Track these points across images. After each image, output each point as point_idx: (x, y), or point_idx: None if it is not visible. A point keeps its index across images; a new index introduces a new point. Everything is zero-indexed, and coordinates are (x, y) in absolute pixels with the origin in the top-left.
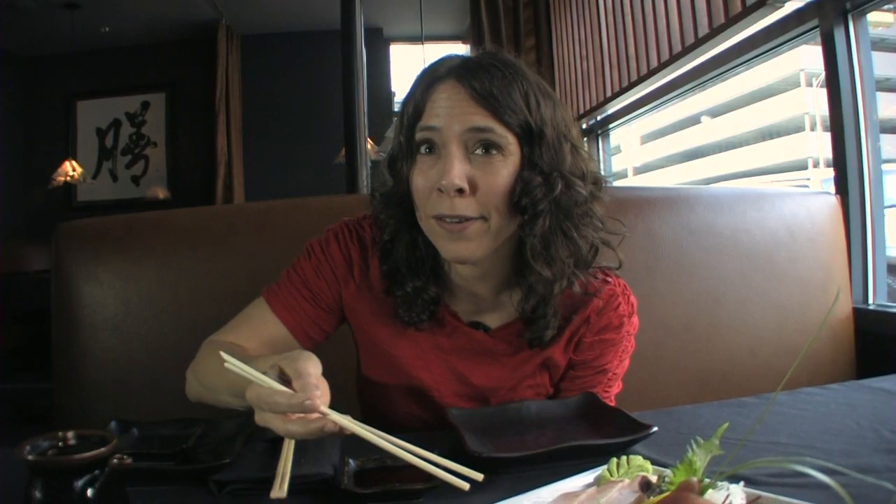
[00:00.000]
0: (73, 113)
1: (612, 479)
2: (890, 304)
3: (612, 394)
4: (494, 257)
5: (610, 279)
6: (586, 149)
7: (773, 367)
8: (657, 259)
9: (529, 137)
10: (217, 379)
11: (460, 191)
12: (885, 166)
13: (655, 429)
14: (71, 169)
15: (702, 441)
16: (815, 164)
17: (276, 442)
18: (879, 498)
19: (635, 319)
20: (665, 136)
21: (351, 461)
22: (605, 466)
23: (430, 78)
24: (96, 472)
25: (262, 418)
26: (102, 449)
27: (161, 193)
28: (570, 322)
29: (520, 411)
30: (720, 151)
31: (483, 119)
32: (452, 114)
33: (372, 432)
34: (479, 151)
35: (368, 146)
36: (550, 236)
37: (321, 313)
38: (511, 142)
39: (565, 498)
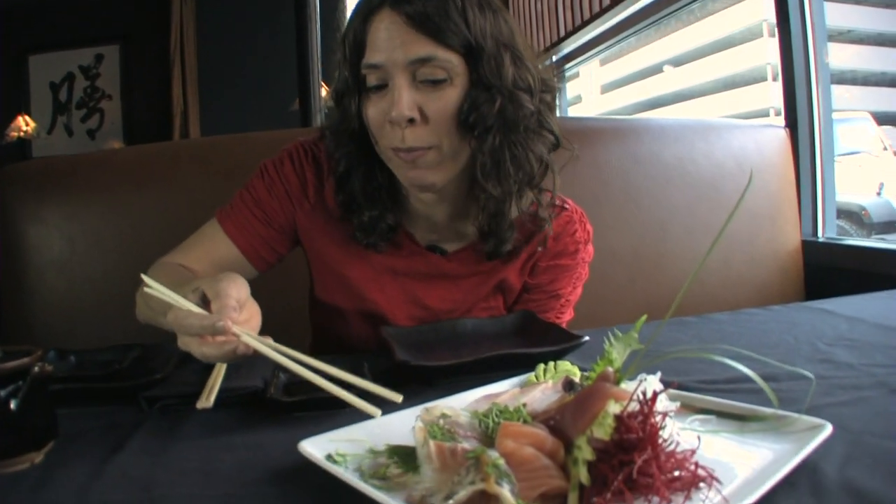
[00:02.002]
0: (24, 67)
1: (537, 382)
2: (839, 237)
3: (563, 320)
4: (452, 182)
5: (567, 206)
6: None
7: (720, 296)
8: (604, 188)
9: (471, 54)
10: (158, 301)
11: (411, 120)
12: (840, 114)
13: (587, 338)
14: (24, 124)
15: (620, 334)
16: (777, 114)
17: (208, 363)
18: (806, 400)
19: (590, 247)
20: (626, 86)
21: (281, 375)
22: (533, 373)
23: (366, 8)
24: (19, 382)
25: (181, 342)
26: (25, 359)
27: (117, 146)
28: (526, 244)
29: (455, 328)
30: (682, 101)
31: (424, 47)
32: (393, 46)
33: (285, 354)
34: (427, 82)
35: (323, 92)
36: (500, 154)
37: (274, 234)
38: (456, 63)
39: (487, 398)
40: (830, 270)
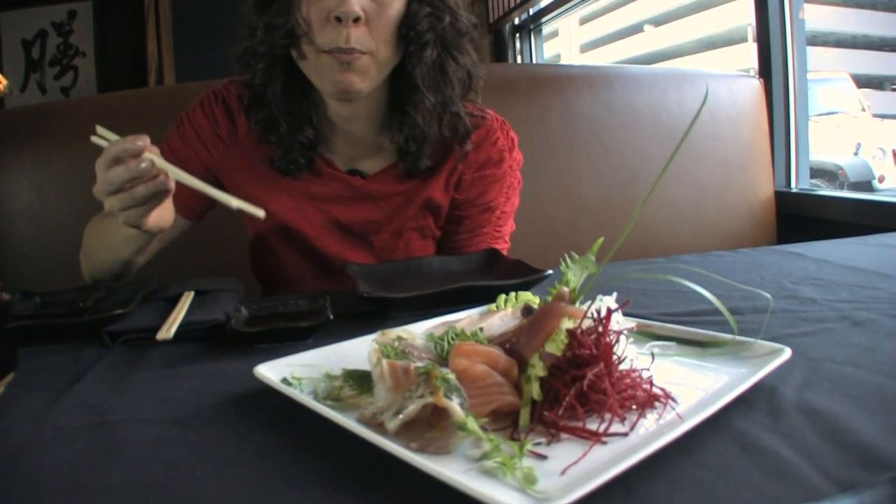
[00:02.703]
0: None
1: (497, 310)
2: (813, 188)
3: (504, 232)
4: (372, 95)
5: (487, 115)
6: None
7: (692, 245)
8: (575, 135)
9: None
10: (92, 241)
11: (357, 20)
12: (815, 75)
13: (550, 272)
14: None
15: (577, 256)
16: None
17: (174, 301)
18: (768, 331)
19: (517, 154)
20: (606, 45)
21: (244, 309)
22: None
23: None
24: None
25: (98, 181)
26: None
27: None
28: (447, 158)
29: (420, 266)
30: (661, 60)
31: None
32: None
33: (179, 169)
34: None
35: None
36: (435, 66)
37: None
38: None
39: (444, 324)
40: (803, 220)
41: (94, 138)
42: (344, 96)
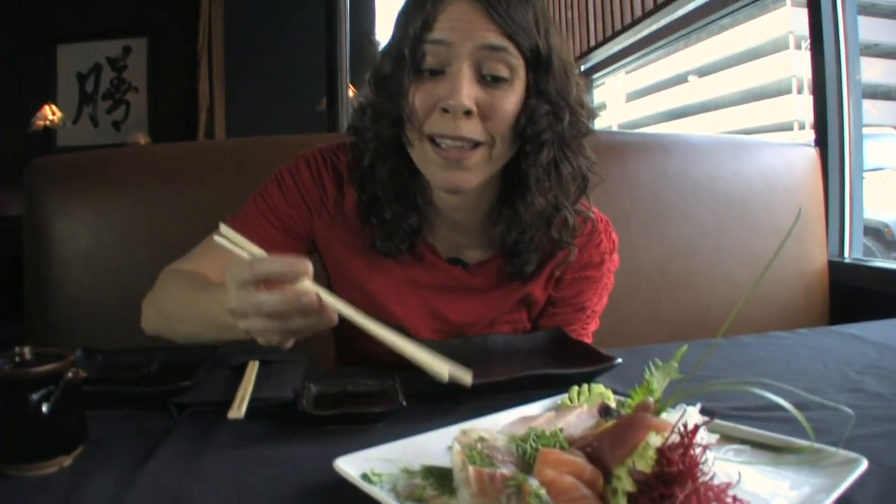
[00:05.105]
0: (53, 57)
1: (572, 405)
2: (865, 258)
3: (589, 331)
4: (482, 187)
5: (592, 215)
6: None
7: (748, 316)
8: (632, 204)
9: (537, 63)
10: (177, 306)
11: (468, 113)
12: (866, 130)
13: (619, 360)
14: (50, 113)
15: (660, 364)
16: (801, 127)
17: (239, 369)
18: (839, 431)
19: (616, 257)
20: (651, 95)
21: (312, 386)
22: (566, 394)
23: None
24: (51, 386)
25: (236, 296)
26: (57, 364)
27: (142, 139)
28: (551, 258)
29: (485, 344)
30: (706, 111)
31: (497, 38)
32: (466, 29)
33: (355, 311)
34: (489, 78)
35: (350, 92)
36: (550, 167)
37: (290, 241)
38: (520, 65)
39: (522, 421)
40: (856, 291)
41: (217, 238)
42: (451, 192)
